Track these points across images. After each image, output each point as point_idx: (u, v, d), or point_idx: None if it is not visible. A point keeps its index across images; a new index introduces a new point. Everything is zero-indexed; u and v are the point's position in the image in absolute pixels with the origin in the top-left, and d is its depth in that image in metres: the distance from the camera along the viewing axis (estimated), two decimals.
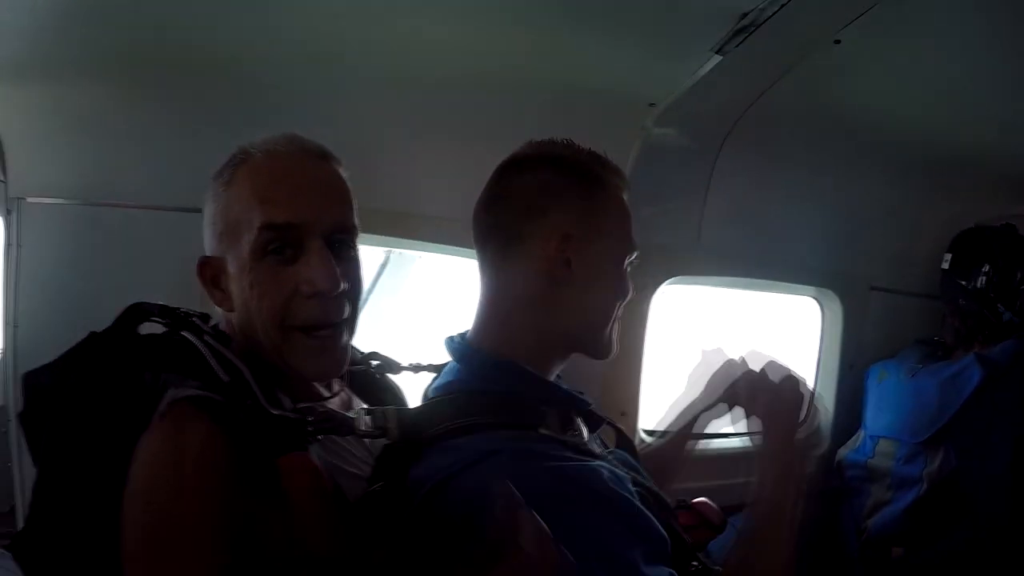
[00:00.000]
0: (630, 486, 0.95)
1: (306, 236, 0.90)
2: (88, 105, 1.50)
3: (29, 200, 1.56)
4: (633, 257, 1.10)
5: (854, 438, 2.12)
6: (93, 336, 0.90)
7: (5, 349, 1.68)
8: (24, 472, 1.65)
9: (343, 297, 0.93)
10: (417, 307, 2.01)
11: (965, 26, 1.44)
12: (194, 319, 0.95)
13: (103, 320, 0.93)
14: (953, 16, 1.40)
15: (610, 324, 1.08)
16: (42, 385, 0.89)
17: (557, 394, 1.04)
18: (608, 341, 1.09)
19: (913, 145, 1.92)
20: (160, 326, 0.93)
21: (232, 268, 0.92)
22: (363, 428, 0.92)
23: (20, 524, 1.64)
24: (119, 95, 1.48)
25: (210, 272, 0.96)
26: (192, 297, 1.03)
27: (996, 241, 2.01)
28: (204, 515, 0.75)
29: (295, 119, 1.34)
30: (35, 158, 1.56)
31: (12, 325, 1.62)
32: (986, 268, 1.98)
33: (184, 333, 0.90)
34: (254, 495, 0.79)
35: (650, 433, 2.03)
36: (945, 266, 2.07)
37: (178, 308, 0.95)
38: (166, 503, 0.76)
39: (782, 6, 1.26)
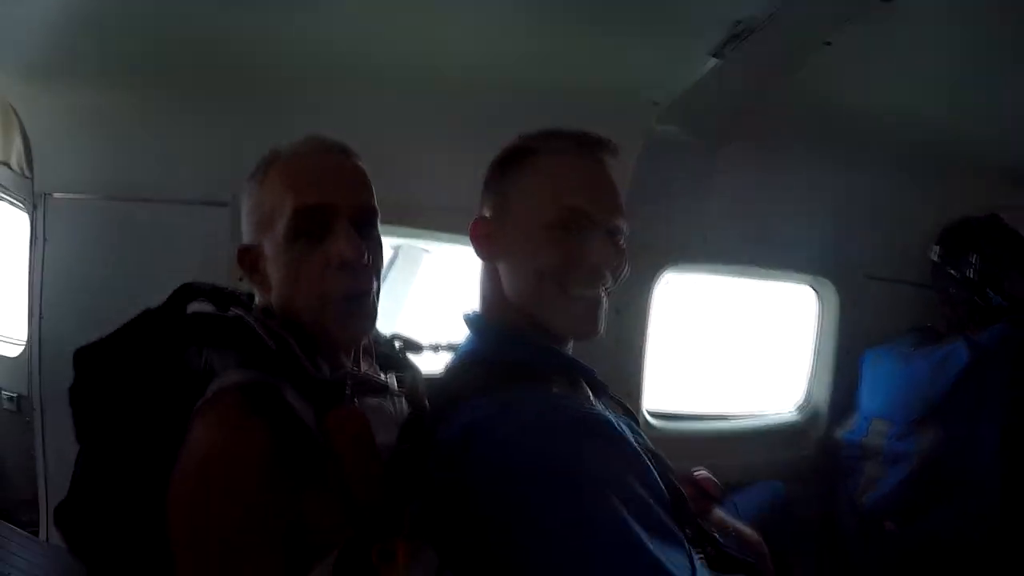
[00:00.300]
0: (633, 438, 1.01)
1: (333, 217, 0.98)
2: (110, 104, 1.55)
3: (55, 196, 1.61)
4: (574, 220, 1.03)
5: (849, 420, 2.17)
6: (146, 313, 0.97)
7: (30, 340, 1.73)
8: (48, 461, 1.70)
9: (369, 269, 1.02)
10: (428, 301, 2.04)
11: (951, 24, 1.48)
12: (242, 297, 1.03)
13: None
14: (939, 15, 1.44)
15: (554, 294, 1.04)
16: (93, 360, 0.95)
17: (562, 360, 1.09)
18: (564, 314, 1.05)
19: (905, 139, 1.96)
20: (209, 305, 1.01)
21: (269, 251, 1.00)
22: (395, 388, 1.02)
23: (43, 512, 1.70)
24: (140, 94, 1.53)
25: (248, 259, 1.03)
26: None
27: (982, 231, 2.06)
28: (253, 509, 0.82)
29: (307, 113, 1.41)
30: (60, 156, 1.61)
31: (37, 317, 1.67)
32: (974, 257, 2.02)
33: (233, 309, 0.98)
34: (298, 473, 0.86)
35: (655, 415, 2.09)
36: (935, 257, 2.12)
37: (225, 288, 1.03)
38: (215, 500, 0.82)
39: (771, 15, 1.31)
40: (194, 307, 1.00)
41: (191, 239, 1.54)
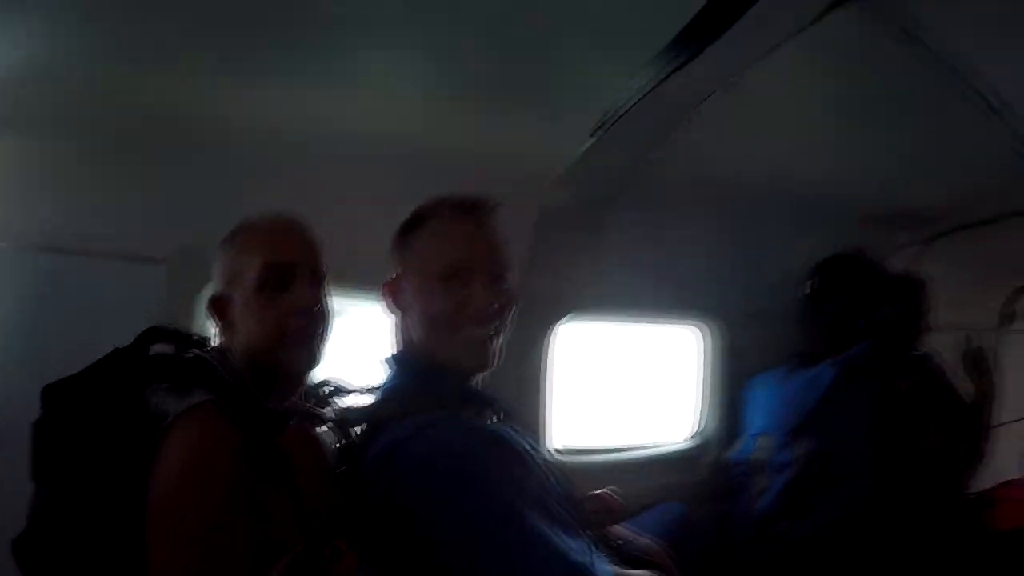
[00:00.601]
0: (533, 453, 1.19)
1: (293, 273, 1.18)
2: (50, 158, 1.59)
3: None
4: (457, 272, 1.23)
5: (737, 443, 2.35)
6: (116, 352, 1.11)
7: None
8: None
9: (319, 315, 1.21)
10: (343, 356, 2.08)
11: (810, 89, 1.67)
12: (198, 340, 1.19)
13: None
14: (797, 83, 1.62)
15: (448, 336, 1.24)
16: (61, 395, 1.07)
17: (467, 392, 1.28)
18: (457, 352, 1.25)
19: (778, 190, 2.17)
20: (170, 347, 1.16)
21: (238, 300, 1.18)
22: (331, 417, 1.20)
23: None
24: (82, 149, 1.57)
25: (218, 306, 1.21)
26: None
27: (849, 265, 2.29)
28: (232, 505, 0.95)
29: (239, 175, 1.55)
30: None
31: None
32: (842, 289, 2.25)
33: (194, 350, 1.14)
34: (261, 471, 1.01)
35: (560, 452, 2.23)
36: (807, 291, 2.32)
37: (185, 331, 1.19)
38: (197, 499, 0.95)
39: (639, 100, 1.50)
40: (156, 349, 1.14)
41: (127, 295, 1.58)
